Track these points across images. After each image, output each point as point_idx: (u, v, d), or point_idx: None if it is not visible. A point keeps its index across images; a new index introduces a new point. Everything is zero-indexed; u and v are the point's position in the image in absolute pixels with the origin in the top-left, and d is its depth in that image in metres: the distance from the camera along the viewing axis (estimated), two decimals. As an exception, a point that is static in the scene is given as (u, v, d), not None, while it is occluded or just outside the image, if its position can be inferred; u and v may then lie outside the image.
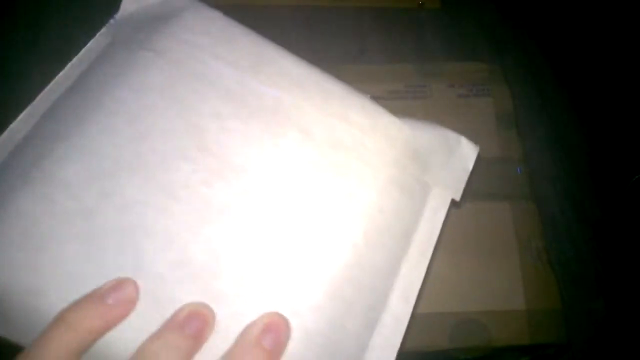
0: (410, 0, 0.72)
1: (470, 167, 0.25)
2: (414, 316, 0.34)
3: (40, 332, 0.17)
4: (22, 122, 0.22)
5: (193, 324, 0.17)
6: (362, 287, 0.20)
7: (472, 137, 0.42)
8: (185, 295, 0.18)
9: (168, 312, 0.18)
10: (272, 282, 0.19)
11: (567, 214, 0.65)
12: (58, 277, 0.18)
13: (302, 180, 0.21)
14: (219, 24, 0.24)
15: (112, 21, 0.24)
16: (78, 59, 0.23)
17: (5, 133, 0.21)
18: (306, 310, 0.19)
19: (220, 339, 0.18)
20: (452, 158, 0.25)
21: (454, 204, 0.24)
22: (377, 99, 0.44)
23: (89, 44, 0.24)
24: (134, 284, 0.18)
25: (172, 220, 0.19)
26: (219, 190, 0.20)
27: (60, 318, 0.17)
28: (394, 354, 0.20)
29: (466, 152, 0.26)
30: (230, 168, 0.20)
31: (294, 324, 0.18)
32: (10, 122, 0.22)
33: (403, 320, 0.21)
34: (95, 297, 0.17)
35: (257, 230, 0.20)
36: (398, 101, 0.44)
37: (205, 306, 0.18)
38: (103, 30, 0.24)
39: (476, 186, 0.41)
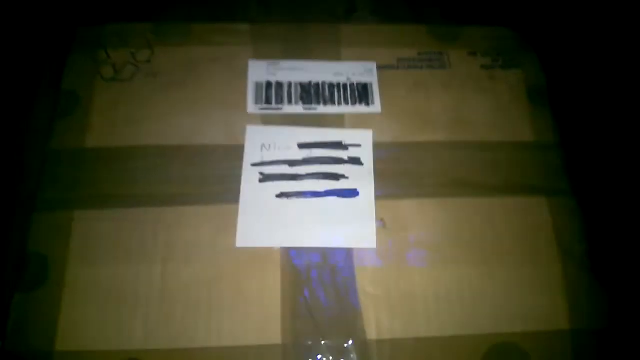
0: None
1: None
2: (439, 340, 0.27)
3: None
4: None
5: None
6: None
7: (500, 116, 0.36)
8: None
9: None
10: None
11: None
12: None
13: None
14: None
15: None
16: None
17: None
18: None
19: None
20: None
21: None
22: (386, 67, 0.36)
23: None
24: None
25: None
26: None
27: None
28: None
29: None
30: None
31: None
32: None
33: None
34: None
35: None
36: (411, 71, 0.36)
37: None
38: None
39: (508, 176, 0.34)
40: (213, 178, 0.31)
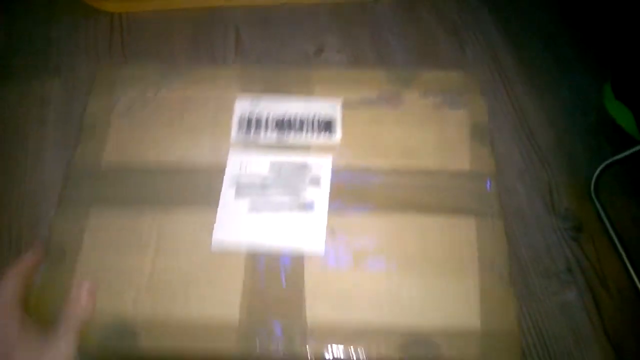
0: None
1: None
2: (368, 330, 0.34)
3: None
4: None
5: None
6: None
7: (443, 148, 0.42)
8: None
9: None
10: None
11: (535, 205, 0.66)
12: None
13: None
14: None
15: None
16: None
17: None
18: None
19: None
20: None
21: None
22: (349, 104, 0.44)
23: None
24: None
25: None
26: None
27: None
28: None
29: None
30: None
31: None
32: None
33: None
34: None
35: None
36: (370, 110, 0.44)
37: None
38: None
39: (442, 200, 0.40)
40: (200, 187, 0.39)
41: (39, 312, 0.35)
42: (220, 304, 0.35)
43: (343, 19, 0.73)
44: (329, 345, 0.34)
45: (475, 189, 0.40)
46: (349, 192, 0.40)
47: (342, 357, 0.34)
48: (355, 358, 0.34)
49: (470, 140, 0.42)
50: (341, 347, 0.34)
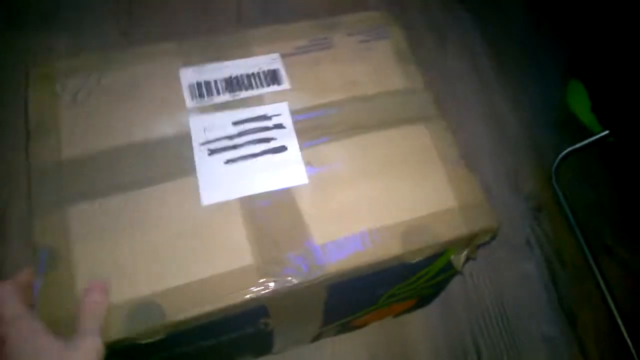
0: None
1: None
2: (368, 230, 0.37)
3: None
4: None
5: None
6: None
7: (377, 74, 0.47)
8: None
9: None
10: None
11: (500, 185, 0.74)
12: None
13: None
14: None
15: None
16: None
17: None
18: None
19: None
20: None
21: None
22: (287, 55, 0.47)
23: None
24: None
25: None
26: None
27: None
28: None
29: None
30: None
31: None
32: None
33: None
34: None
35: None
36: (306, 55, 0.47)
37: None
38: None
39: (391, 115, 0.45)
40: (171, 160, 0.40)
41: (46, 319, 0.33)
42: (231, 254, 0.36)
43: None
44: (342, 254, 0.37)
45: (414, 101, 0.46)
46: (310, 129, 0.43)
47: (355, 264, 0.37)
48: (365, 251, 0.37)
49: (398, 63, 0.48)
50: (352, 250, 0.37)
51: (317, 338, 0.55)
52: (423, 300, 0.59)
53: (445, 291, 0.58)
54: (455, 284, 0.65)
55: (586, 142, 0.73)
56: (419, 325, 0.63)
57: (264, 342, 0.48)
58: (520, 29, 0.92)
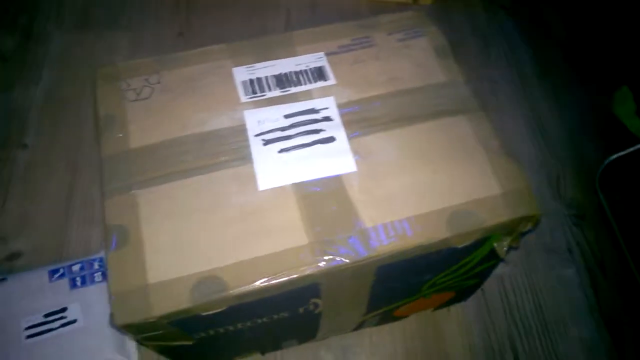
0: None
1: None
2: (414, 216, 0.39)
3: None
4: None
5: None
6: None
7: (417, 69, 0.49)
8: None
9: None
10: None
11: (543, 192, 0.75)
12: None
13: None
14: None
15: None
16: None
17: None
18: None
19: None
20: None
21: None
22: (331, 54, 0.49)
23: None
24: None
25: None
26: None
27: None
28: None
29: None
30: None
31: None
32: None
33: None
34: None
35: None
36: (349, 53, 0.50)
37: None
38: None
39: (433, 108, 0.47)
40: (229, 149, 0.43)
41: (118, 289, 0.36)
42: (287, 234, 0.39)
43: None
44: (392, 237, 0.39)
45: (455, 94, 0.48)
46: (356, 121, 0.45)
47: (404, 246, 0.39)
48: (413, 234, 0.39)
49: (437, 59, 0.50)
50: (400, 233, 0.39)
51: (359, 327, 0.57)
52: (463, 293, 0.60)
53: (482, 292, 0.59)
54: (492, 285, 0.66)
55: (632, 149, 0.71)
56: (456, 322, 0.63)
57: (310, 326, 0.50)
58: (563, 34, 0.92)
